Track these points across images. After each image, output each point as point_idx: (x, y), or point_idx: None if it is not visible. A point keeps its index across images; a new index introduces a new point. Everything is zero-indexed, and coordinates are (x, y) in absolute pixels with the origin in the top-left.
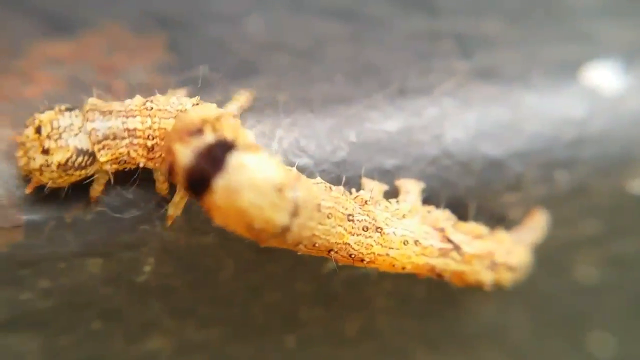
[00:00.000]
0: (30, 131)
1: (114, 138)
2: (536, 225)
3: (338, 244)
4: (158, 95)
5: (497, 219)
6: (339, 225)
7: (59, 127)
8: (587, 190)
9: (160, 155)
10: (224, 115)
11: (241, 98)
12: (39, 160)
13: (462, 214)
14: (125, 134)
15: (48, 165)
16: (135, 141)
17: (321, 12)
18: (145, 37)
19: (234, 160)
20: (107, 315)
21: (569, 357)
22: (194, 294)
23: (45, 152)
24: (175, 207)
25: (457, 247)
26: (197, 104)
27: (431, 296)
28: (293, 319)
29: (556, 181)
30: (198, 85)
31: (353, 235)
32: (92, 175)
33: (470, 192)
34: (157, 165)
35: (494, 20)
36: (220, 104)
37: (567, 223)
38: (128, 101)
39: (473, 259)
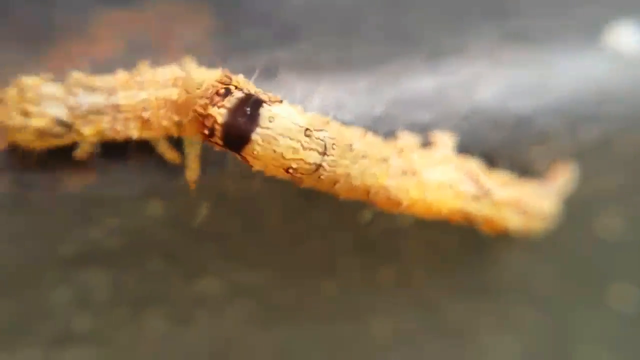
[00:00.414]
0: (13, 91)
1: (97, 113)
2: (563, 178)
3: (375, 186)
4: (144, 68)
5: (526, 173)
6: (375, 167)
7: (41, 94)
8: (611, 146)
9: (159, 125)
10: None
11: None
12: (17, 120)
13: (492, 168)
14: (109, 110)
15: (25, 127)
16: (120, 116)
17: None
18: (195, 7)
19: (266, 112)
20: (166, 256)
21: (593, 310)
22: (242, 238)
23: (25, 114)
24: (193, 171)
25: (488, 193)
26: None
27: (462, 247)
28: (331, 267)
29: (582, 136)
30: (241, 48)
31: (391, 178)
32: (74, 144)
33: (500, 146)
34: (157, 134)
35: None
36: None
37: (592, 177)
38: (110, 77)
39: (503, 205)
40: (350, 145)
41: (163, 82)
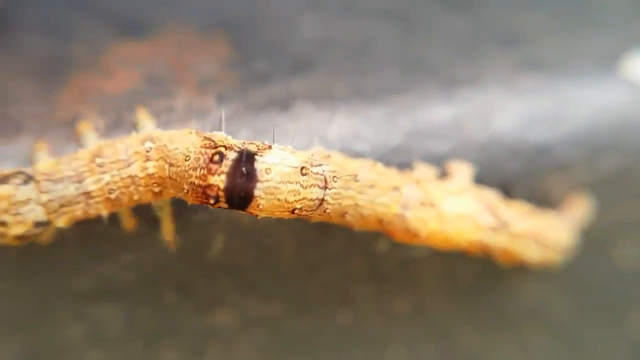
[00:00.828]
0: None
1: (69, 204)
2: (581, 209)
3: (387, 215)
4: (106, 146)
5: (543, 203)
6: (385, 195)
7: (15, 203)
8: (629, 175)
9: (130, 199)
10: (214, 135)
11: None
12: None
13: (509, 198)
14: (80, 198)
15: (3, 236)
16: (91, 201)
17: (370, 13)
18: (210, 36)
19: (261, 165)
20: (180, 289)
21: (611, 340)
22: (257, 271)
23: (2, 224)
24: (170, 233)
25: (506, 225)
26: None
27: (479, 278)
28: (346, 297)
29: (599, 166)
30: (257, 79)
31: (408, 209)
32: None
33: (517, 176)
34: (121, 208)
35: (537, 13)
36: (281, 97)
37: (610, 207)
38: (75, 161)
39: (521, 237)
40: (355, 175)
41: (128, 158)
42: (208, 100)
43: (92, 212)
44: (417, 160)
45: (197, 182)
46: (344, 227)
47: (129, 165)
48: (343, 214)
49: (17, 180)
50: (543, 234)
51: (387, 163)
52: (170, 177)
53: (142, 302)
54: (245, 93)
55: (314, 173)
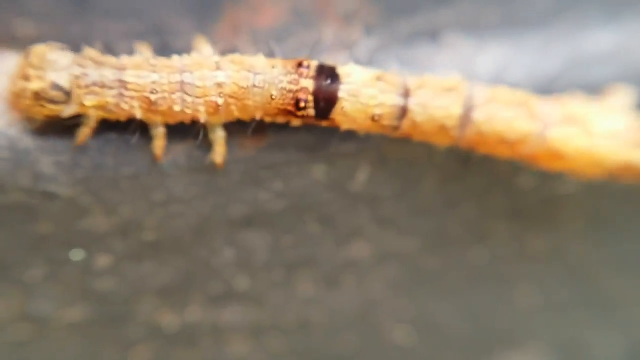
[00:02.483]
0: (21, 59)
1: (102, 86)
2: None
3: (511, 133)
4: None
5: None
6: (506, 111)
7: (46, 60)
8: None
9: (169, 106)
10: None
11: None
12: (19, 85)
13: None
14: (116, 85)
15: (24, 91)
16: (127, 93)
17: None
18: None
19: (343, 70)
20: (323, 219)
21: None
22: (397, 204)
23: (26, 78)
24: (221, 155)
25: None
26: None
27: (629, 220)
28: (482, 234)
29: None
30: (402, 10)
31: (548, 127)
32: (79, 119)
33: None
34: (158, 120)
35: None
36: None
37: None
38: (125, 58)
39: None
40: (449, 87)
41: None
42: (355, 32)
43: (126, 108)
44: (577, 91)
45: (288, 87)
46: (488, 159)
47: (183, 73)
48: (446, 129)
49: (59, 46)
50: None
51: (543, 94)
52: (254, 86)
53: (287, 230)
54: (391, 24)
55: (391, 81)
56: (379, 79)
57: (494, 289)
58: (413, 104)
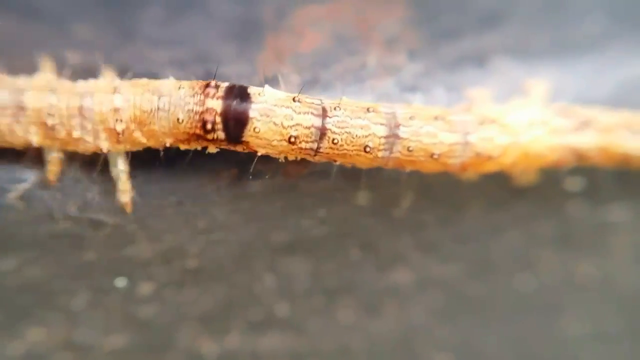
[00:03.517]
0: None
1: None
2: None
3: (435, 144)
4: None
5: None
6: (428, 125)
7: None
8: None
9: (67, 132)
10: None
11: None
12: None
13: None
14: (10, 111)
15: None
16: (23, 119)
17: None
18: None
19: (254, 90)
20: (365, 245)
21: None
22: (440, 230)
23: None
24: (126, 193)
25: (589, 122)
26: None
27: None
28: (528, 260)
29: None
30: (446, 35)
31: (469, 134)
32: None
33: None
34: (56, 147)
35: None
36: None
37: None
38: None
39: (611, 130)
40: (367, 108)
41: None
42: (399, 57)
43: (21, 133)
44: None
45: (194, 108)
46: (532, 187)
47: (83, 97)
48: (369, 149)
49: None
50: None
51: None
52: (158, 109)
53: (329, 256)
54: (436, 49)
55: (307, 102)
56: (295, 99)
57: (540, 317)
58: (331, 124)
